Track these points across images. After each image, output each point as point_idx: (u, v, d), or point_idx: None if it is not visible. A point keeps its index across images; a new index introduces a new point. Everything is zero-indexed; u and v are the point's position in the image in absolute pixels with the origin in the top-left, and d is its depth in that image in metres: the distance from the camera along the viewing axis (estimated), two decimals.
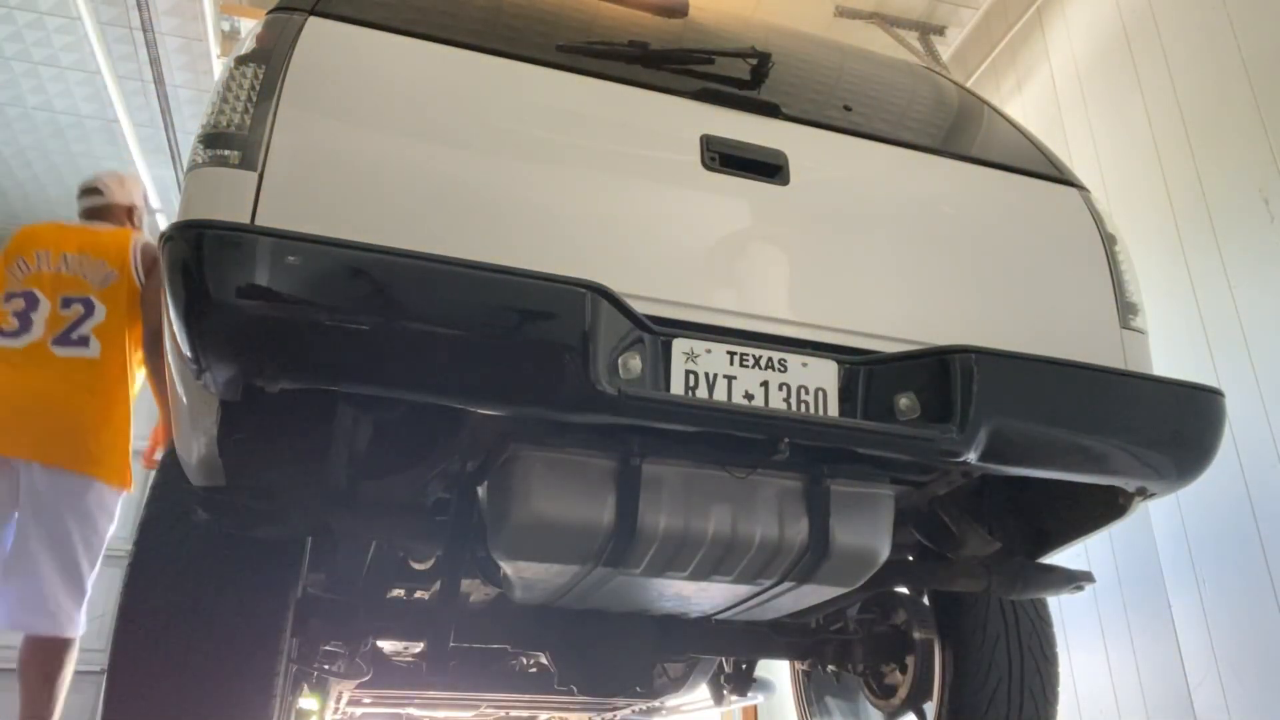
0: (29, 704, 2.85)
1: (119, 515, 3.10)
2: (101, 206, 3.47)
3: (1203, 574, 3.38)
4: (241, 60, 1.58)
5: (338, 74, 1.60)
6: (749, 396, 1.57)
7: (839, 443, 1.58)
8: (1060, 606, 3.83)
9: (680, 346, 1.55)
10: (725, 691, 2.89)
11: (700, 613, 2.15)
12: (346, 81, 1.60)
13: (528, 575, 1.76)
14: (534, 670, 2.87)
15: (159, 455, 3.15)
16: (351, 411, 1.65)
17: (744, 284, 1.68)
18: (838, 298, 1.73)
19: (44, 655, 2.89)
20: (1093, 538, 2.06)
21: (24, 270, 3.16)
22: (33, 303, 3.07)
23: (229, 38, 4.79)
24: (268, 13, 1.68)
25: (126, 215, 3.52)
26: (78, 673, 2.99)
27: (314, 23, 1.64)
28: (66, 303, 3.09)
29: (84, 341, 3.05)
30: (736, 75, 1.91)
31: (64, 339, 3.04)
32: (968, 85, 4.42)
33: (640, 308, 1.52)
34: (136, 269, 3.20)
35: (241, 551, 1.75)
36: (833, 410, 1.62)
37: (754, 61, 1.92)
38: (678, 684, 2.75)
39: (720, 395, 1.55)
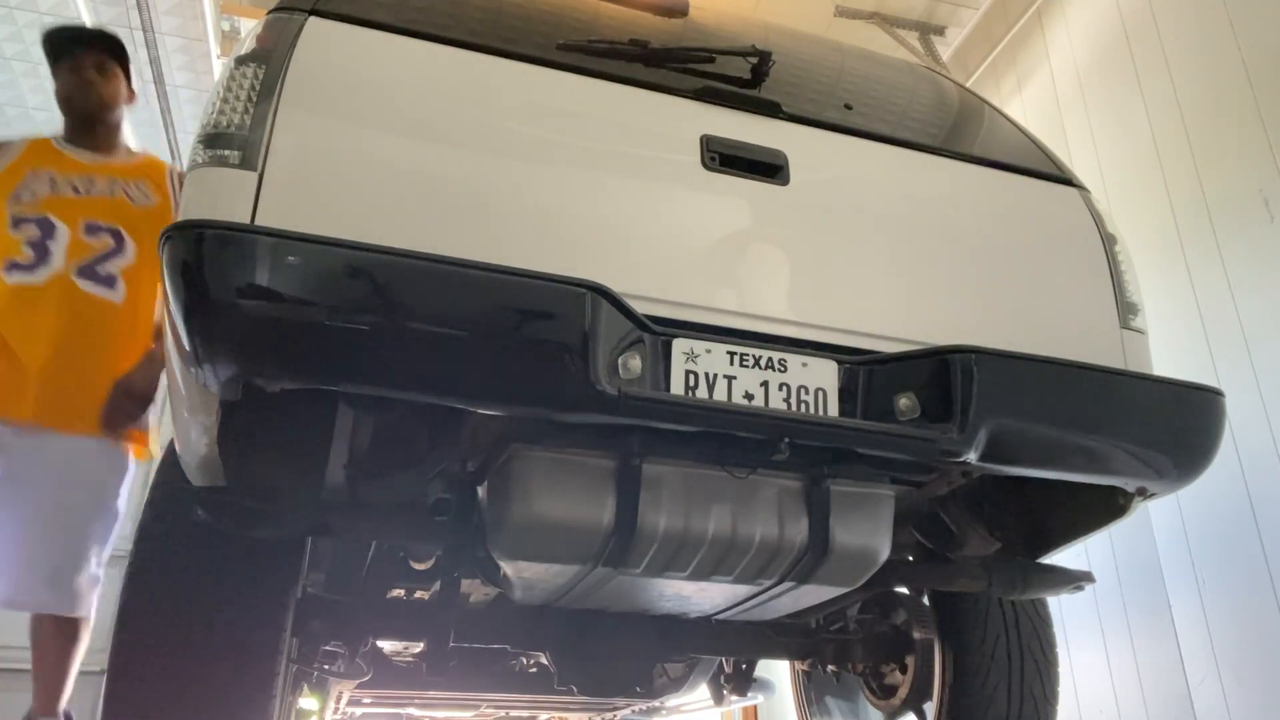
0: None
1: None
2: None
3: (1203, 574, 3.38)
4: (241, 60, 1.58)
5: (338, 74, 1.60)
6: (749, 396, 1.57)
7: (839, 443, 1.58)
8: (1060, 606, 3.82)
9: (680, 346, 1.55)
10: (725, 691, 2.89)
11: (700, 613, 2.15)
12: (346, 82, 1.60)
13: (528, 575, 1.76)
14: (534, 670, 2.87)
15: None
16: (351, 411, 1.65)
17: (744, 284, 1.67)
18: (838, 298, 1.73)
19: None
20: (1093, 538, 2.06)
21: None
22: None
23: (229, 38, 4.79)
24: (268, 13, 1.68)
25: None
26: (78, 673, 2.94)
27: (314, 23, 1.64)
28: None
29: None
30: (737, 75, 1.91)
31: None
32: (968, 85, 4.42)
33: (640, 308, 1.52)
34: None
35: (241, 551, 1.75)
36: (833, 410, 1.62)
37: (754, 60, 1.92)
38: (678, 684, 2.75)
39: (720, 395, 1.55)
